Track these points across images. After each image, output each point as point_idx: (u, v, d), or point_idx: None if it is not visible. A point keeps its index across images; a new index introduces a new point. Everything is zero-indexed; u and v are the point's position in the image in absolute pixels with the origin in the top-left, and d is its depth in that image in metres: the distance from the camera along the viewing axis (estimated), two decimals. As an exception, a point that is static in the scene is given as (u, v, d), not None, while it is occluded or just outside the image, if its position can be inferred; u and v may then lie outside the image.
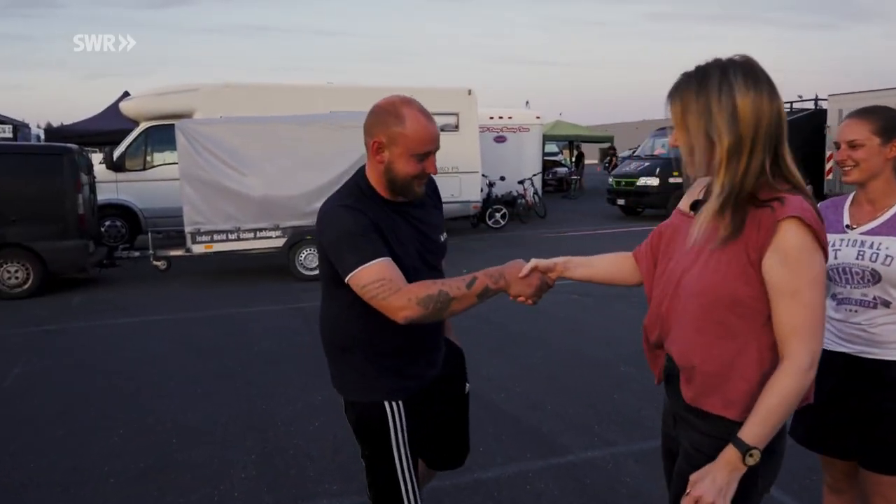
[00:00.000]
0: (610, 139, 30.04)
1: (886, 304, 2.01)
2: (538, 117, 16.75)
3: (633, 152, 20.52)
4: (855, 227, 2.08)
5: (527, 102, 23.24)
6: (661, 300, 1.61)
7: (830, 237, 2.06)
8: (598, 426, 3.92)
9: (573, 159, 26.94)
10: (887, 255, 1.98)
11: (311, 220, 8.58)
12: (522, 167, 15.81)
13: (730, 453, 1.40)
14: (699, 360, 1.50)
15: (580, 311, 6.81)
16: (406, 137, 1.85)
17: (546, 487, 3.24)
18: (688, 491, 1.43)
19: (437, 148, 1.92)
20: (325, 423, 4.05)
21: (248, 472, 3.47)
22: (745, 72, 1.43)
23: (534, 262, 1.90)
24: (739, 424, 1.42)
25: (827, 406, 2.05)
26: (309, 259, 8.70)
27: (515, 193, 15.11)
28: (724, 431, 1.46)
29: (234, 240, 8.49)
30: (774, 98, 1.44)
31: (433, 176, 2.05)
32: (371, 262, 1.79)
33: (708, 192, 1.55)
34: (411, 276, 1.84)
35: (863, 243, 2.04)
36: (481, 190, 13.47)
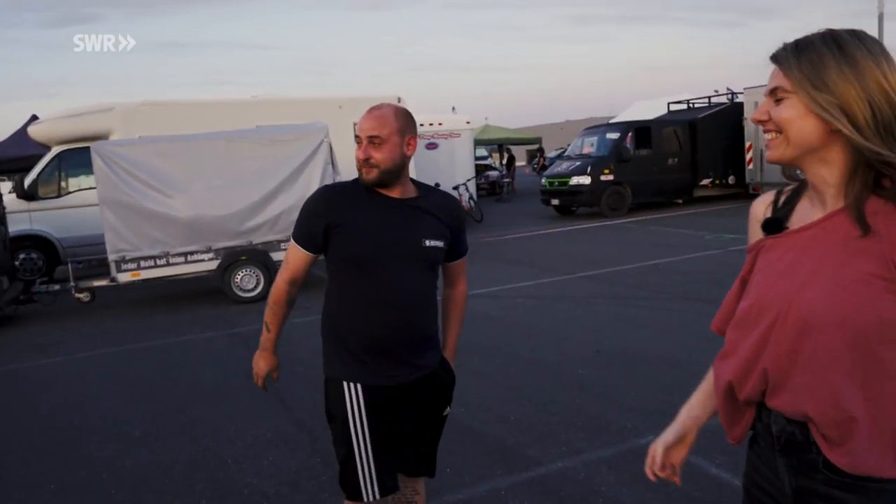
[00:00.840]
0: (538, 140, 30.50)
1: None
2: (468, 122, 16.76)
3: (562, 152, 20.84)
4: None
5: (453, 108, 23.37)
6: (758, 342, 1.23)
7: None
8: (565, 434, 3.82)
9: (504, 162, 27.18)
10: None
11: (245, 240, 8.24)
12: (456, 173, 15.77)
13: None
14: (859, 409, 1.13)
15: (529, 315, 6.76)
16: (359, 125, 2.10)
17: (520, 505, 3.11)
18: None
19: (374, 137, 2.04)
20: (279, 457, 3.80)
21: (199, 519, 3.20)
22: (872, 39, 1.17)
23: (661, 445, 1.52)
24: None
25: None
26: (246, 280, 8.33)
27: (451, 199, 15.04)
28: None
29: (163, 265, 8.05)
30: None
31: (448, 193, 2.35)
32: (293, 241, 2.16)
33: (784, 206, 1.32)
34: (377, 261, 2.08)
35: None
36: (417, 198, 13.34)
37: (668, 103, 18.53)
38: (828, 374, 1.15)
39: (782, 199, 1.34)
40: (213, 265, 8.23)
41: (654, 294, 7.21)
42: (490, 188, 24.13)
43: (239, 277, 8.32)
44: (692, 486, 3.14)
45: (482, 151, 28.13)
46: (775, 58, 1.21)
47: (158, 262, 8.02)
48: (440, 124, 15.97)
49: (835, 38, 1.16)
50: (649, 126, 15.92)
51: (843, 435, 1.15)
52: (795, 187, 1.32)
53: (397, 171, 2.10)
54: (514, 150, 29.88)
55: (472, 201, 15.83)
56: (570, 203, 15.48)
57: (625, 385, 4.51)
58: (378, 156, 2.06)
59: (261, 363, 2.34)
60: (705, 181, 16.32)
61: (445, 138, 15.97)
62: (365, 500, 2.13)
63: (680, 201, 16.47)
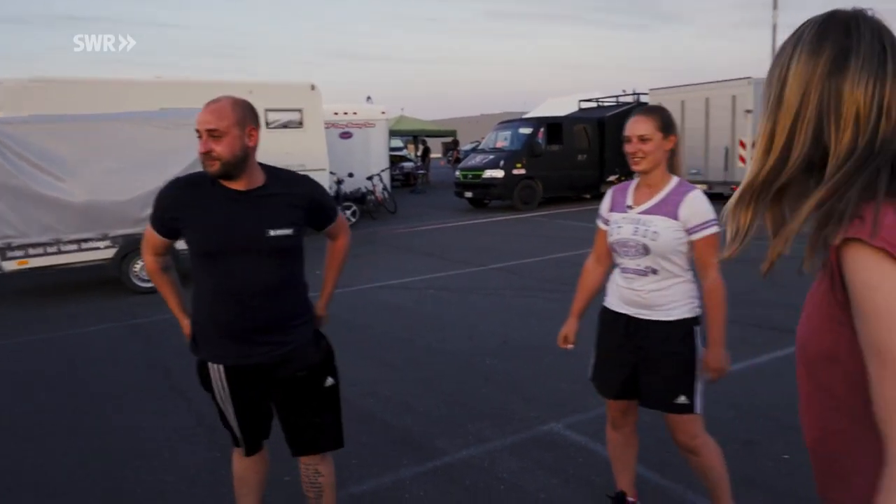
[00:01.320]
0: (453, 133, 30.66)
1: (655, 272, 2.43)
2: (383, 112, 16.65)
3: (477, 146, 21.05)
4: (635, 207, 2.46)
5: (368, 97, 23.09)
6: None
7: (616, 215, 2.52)
8: (471, 423, 3.88)
9: (419, 154, 27.18)
10: (654, 231, 2.38)
11: (144, 227, 7.84)
12: (370, 163, 15.64)
13: None
14: (811, 438, 1.10)
15: (440, 306, 6.80)
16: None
17: (425, 494, 3.14)
18: None
19: (212, 130, 2.11)
20: (177, 452, 3.67)
21: (89, 520, 3.04)
22: (821, 30, 1.04)
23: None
24: None
25: (612, 358, 2.59)
26: (145, 270, 7.94)
27: (365, 190, 14.92)
28: None
29: (55, 253, 7.55)
30: (839, 71, 1.02)
31: (311, 177, 2.40)
32: (148, 225, 2.36)
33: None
34: (221, 255, 2.19)
35: (638, 221, 2.43)
36: (329, 188, 13.14)
37: (579, 101, 19.08)
38: (807, 412, 1.10)
39: None
40: (110, 253, 7.81)
41: (561, 287, 7.42)
42: (405, 179, 24.08)
43: (138, 267, 7.94)
44: (590, 471, 3.27)
45: (397, 143, 28.03)
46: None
47: (49, 249, 7.52)
48: (355, 113, 15.79)
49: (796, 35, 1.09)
50: (560, 122, 16.34)
51: (813, 461, 1.12)
52: None
53: (239, 162, 2.17)
54: (430, 142, 29.95)
55: (385, 192, 15.76)
56: (483, 196, 15.69)
57: (530, 375, 4.62)
58: (218, 148, 2.12)
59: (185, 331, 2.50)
60: (612, 177, 16.91)
61: (360, 128, 15.80)
62: (240, 454, 2.51)
63: (588, 196, 17.01)
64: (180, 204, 2.24)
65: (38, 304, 7.82)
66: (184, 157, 7.83)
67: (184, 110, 8.47)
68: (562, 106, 20.13)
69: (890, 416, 0.89)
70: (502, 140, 16.34)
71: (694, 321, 2.48)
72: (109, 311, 7.23)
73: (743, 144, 14.22)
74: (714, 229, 2.38)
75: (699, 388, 2.48)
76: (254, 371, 2.32)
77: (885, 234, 0.90)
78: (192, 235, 2.24)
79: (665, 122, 2.42)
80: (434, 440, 3.69)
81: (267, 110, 11.59)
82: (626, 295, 2.52)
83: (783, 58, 1.05)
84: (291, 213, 2.26)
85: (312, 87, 12.28)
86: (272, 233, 2.21)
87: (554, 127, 16.07)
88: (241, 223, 2.19)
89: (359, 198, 14.52)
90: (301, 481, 2.56)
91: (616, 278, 2.58)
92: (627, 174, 17.12)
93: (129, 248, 7.83)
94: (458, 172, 16.59)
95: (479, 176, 15.50)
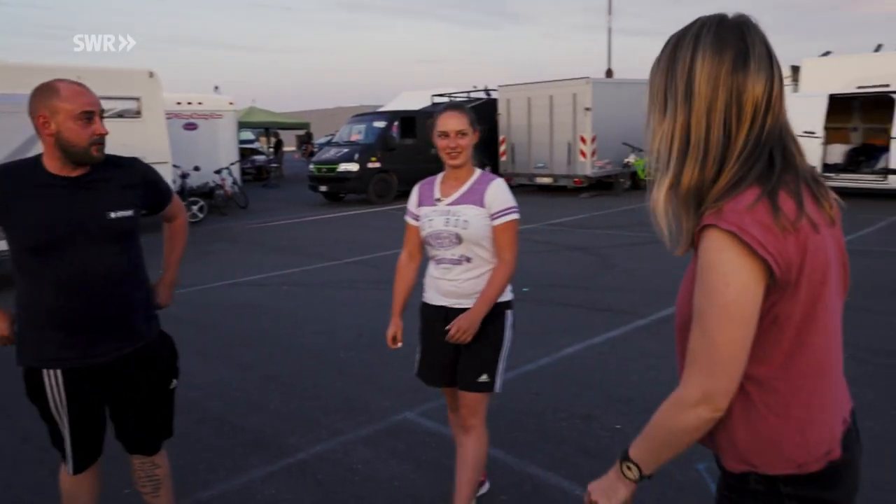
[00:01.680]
0: (306, 126, 30.01)
1: (469, 260, 2.55)
2: (231, 103, 15.94)
3: (332, 139, 20.76)
4: (444, 199, 2.57)
5: (216, 87, 21.92)
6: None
7: (425, 209, 2.61)
8: (325, 418, 3.86)
9: (271, 147, 26.35)
10: (465, 220, 2.50)
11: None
12: (218, 156, 14.93)
13: (616, 465, 1.27)
14: None
15: (294, 301, 6.67)
16: (64, 101, 2.04)
17: (277, 493, 3.08)
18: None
19: (101, 111, 2.12)
20: (3, 474, 3.33)
21: None
22: (720, 32, 1.16)
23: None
24: (735, 474, 1.21)
25: (436, 350, 2.66)
26: (-44, 274, 7.08)
27: (213, 184, 14.24)
28: (736, 482, 1.22)
29: None
30: (740, 71, 1.14)
31: (140, 160, 2.33)
32: None
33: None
34: (60, 245, 2.07)
35: (448, 212, 2.54)
36: (173, 182, 12.39)
37: (432, 95, 19.36)
38: (679, 362, 1.27)
39: None
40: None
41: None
42: (257, 173, 23.26)
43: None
44: (441, 454, 3.37)
45: (248, 135, 26.97)
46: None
47: None
48: (200, 104, 14.99)
49: (681, 33, 1.21)
50: (414, 116, 16.51)
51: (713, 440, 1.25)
52: None
53: (52, 151, 2.11)
54: (284, 135, 29.12)
55: (235, 186, 15.14)
56: (338, 190, 15.51)
57: (385, 366, 4.66)
58: (105, 131, 2.13)
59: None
60: (465, 171, 17.37)
61: (206, 119, 15.04)
62: (67, 472, 2.30)
63: (443, 189, 17.36)
64: (2, 193, 2.08)
65: None
66: (8, 145, 7.10)
67: (8, 96, 7.63)
68: (416, 100, 20.29)
69: (690, 362, 1.14)
70: (357, 133, 16.24)
71: (506, 305, 2.62)
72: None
73: (584, 140, 15.15)
74: (514, 216, 2.53)
75: (501, 368, 2.61)
76: (98, 373, 2.20)
77: (729, 217, 1.08)
78: (17, 229, 2.08)
79: (473, 118, 2.57)
80: (286, 437, 3.63)
81: (99, 98, 10.70)
82: (443, 287, 2.60)
83: (683, 53, 1.15)
84: (128, 194, 2.22)
85: (151, 75, 11.49)
86: (113, 215, 2.15)
87: (408, 121, 16.22)
88: (79, 208, 2.11)
89: (206, 192, 13.83)
90: (135, 478, 2.47)
91: (432, 272, 2.66)
92: (479, 166, 17.65)
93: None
94: (311, 166, 16.29)
95: (334, 170, 15.31)
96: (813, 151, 12.69)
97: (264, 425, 3.80)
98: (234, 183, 15.13)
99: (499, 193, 2.53)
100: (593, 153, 15.19)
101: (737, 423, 1.18)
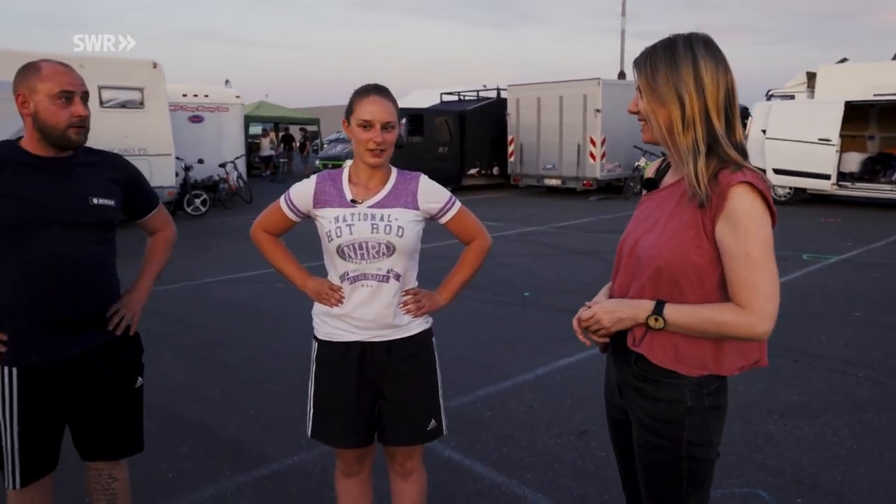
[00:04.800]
0: (316, 122, 29.89)
1: (398, 278, 2.08)
2: (238, 97, 15.79)
3: (340, 135, 20.62)
4: (361, 201, 2.06)
5: (227, 81, 21.78)
6: (615, 270, 1.67)
7: (335, 211, 2.05)
8: (304, 426, 3.65)
9: (280, 142, 26.24)
10: (399, 226, 2.03)
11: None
12: (223, 149, 14.78)
13: (646, 303, 1.51)
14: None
15: (285, 301, 6.49)
16: (44, 80, 1.95)
17: (247, 507, 2.89)
18: (586, 316, 1.60)
19: (84, 91, 2.01)
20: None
21: None
22: (706, 44, 1.48)
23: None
24: (690, 382, 1.51)
25: (345, 402, 2.12)
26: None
27: (217, 178, 14.11)
28: (676, 393, 1.52)
29: None
30: (728, 71, 1.48)
31: (120, 154, 2.23)
32: None
33: (661, 171, 1.67)
34: (38, 230, 1.96)
35: (373, 216, 2.04)
36: (176, 174, 12.27)
37: (441, 94, 19.18)
38: (642, 294, 1.54)
39: (663, 165, 1.68)
40: None
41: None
42: (265, 167, 23.18)
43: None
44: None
45: (257, 129, 26.90)
46: (635, 62, 1.54)
47: None
48: (206, 96, 14.84)
49: (670, 45, 1.49)
50: (422, 115, 16.34)
51: (643, 336, 1.54)
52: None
53: (30, 132, 2.02)
54: (293, 130, 29.03)
55: (240, 180, 14.99)
56: (343, 186, 15.33)
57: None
58: (87, 114, 2.04)
59: None
60: (473, 170, 17.19)
61: (212, 112, 14.89)
62: (8, 487, 2.08)
63: (450, 188, 17.15)
64: None
65: None
66: (2, 132, 6.93)
67: (5, 82, 7.50)
68: (426, 98, 20.13)
69: (750, 294, 1.42)
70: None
71: (430, 332, 2.22)
72: None
73: (594, 142, 14.92)
74: (458, 202, 2.17)
75: (443, 407, 2.23)
76: (57, 371, 2.06)
77: (754, 180, 1.43)
78: None
79: (397, 106, 2.07)
80: (263, 446, 3.43)
81: (101, 87, 10.58)
82: (361, 313, 2.09)
83: (682, 59, 1.46)
84: (112, 186, 2.12)
85: (154, 65, 11.38)
86: (96, 201, 2.06)
87: (415, 119, 16.04)
88: (62, 191, 2.02)
89: (210, 186, 13.70)
90: (89, 490, 2.28)
91: (347, 296, 2.12)
92: (487, 167, 17.47)
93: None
94: (318, 162, 16.16)
95: (340, 166, 15.14)
96: (827, 159, 12.41)
97: (241, 432, 3.60)
98: (239, 177, 14.98)
99: (433, 189, 2.12)
100: (603, 155, 14.95)
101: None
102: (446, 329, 5.28)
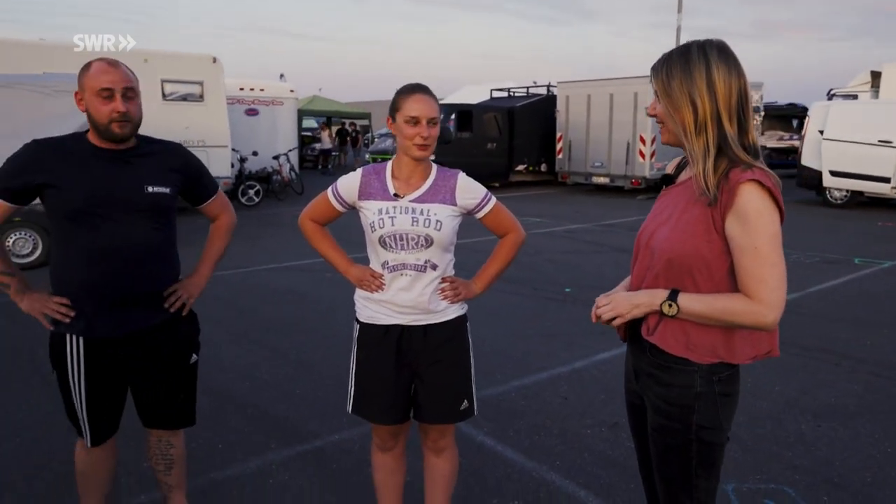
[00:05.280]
0: (367, 115, 30.28)
1: (434, 268, 2.22)
2: (292, 91, 16.21)
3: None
4: (403, 195, 2.18)
5: (281, 75, 22.28)
6: (633, 262, 1.79)
7: (378, 204, 2.19)
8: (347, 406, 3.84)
9: (334, 135, 26.71)
10: (438, 220, 2.16)
11: (20, 200, 7.32)
12: (277, 142, 15.22)
13: (661, 291, 1.62)
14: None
15: (334, 290, 6.72)
16: (90, 79, 2.12)
17: (291, 478, 3.09)
18: (603, 304, 1.71)
19: (125, 88, 2.13)
20: (32, 438, 3.45)
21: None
22: (720, 50, 1.58)
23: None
24: (701, 369, 1.62)
25: (385, 381, 2.26)
26: (19, 244, 7.43)
27: (270, 169, 14.53)
28: (687, 379, 1.63)
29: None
30: (741, 75, 1.58)
31: (183, 145, 2.42)
32: None
33: (680, 167, 1.78)
34: (101, 216, 2.13)
35: (414, 210, 2.17)
36: (232, 165, 12.71)
37: (491, 90, 19.24)
38: (656, 284, 1.66)
39: (682, 161, 1.78)
40: (-18, 227, 7.25)
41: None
42: (318, 160, 23.65)
43: (11, 241, 7.41)
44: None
45: (312, 123, 27.42)
46: (652, 68, 1.65)
47: None
48: (262, 90, 15.29)
49: (685, 52, 1.59)
50: (471, 110, 16.44)
51: (657, 326, 1.66)
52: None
53: (139, 125, 2.23)
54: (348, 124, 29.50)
55: (293, 172, 15.39)
56: (392, 181, 15.56)
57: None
58: (133, 109, 2.17)
59: (28, 310, 2.27)
60: (520, 167, 17.22)
61: (267, 105, 15.33)
62: (84, 445, 2.35)
63: (497, 185, 17.24)
64: (45, 165, 2.14)
65: None
66: (68, 124, 7.35)
67: (69, 75, 7.95)
68: (478, 94, 20.22)
69: (758, 286, 1.51)
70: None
71: (465, 318, 2.35)
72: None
73: (643, 140, 14.78)
74: (494, 198, 2.31)
75: (474, 389, 2.36)
76: (120, 345, 2.24)
77: (763, 178, 1.51)
78: (60, 198, 2.13)
79: (438, 103, 2.21)
80: (307, 423, 3.64)
81: (164, 81, 11.06)
82: (401, 300, 2.22)
83: (695, 65, 1.56)
84: (168, 175, 2.27)
85: (214, 60, 11.80)
86: (150, 189, 2.20)
87: (464, 114, 16.15)
88: (120, 180, 2.17)
89: (264, 177, 14.12)
90: (150, 455, 2.51)
91: (388, 283, 2.24)
92: (535, 163, 17.47)
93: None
94: (367, 156, 16.44)
95: (389, 160, 15.38)
96: (888, 160, 12.02)
97: (288, 411, 3.82)
98: (292, 169, 15.38)
99: (471, 186, 2.25)
100: (653, 154, 14.80)
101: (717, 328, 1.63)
102: (487, 322, 5.43)
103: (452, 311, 2.30)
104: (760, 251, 1.51)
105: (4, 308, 5.88)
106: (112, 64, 2.15)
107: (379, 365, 2.28)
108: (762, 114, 16.66)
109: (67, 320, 2.19)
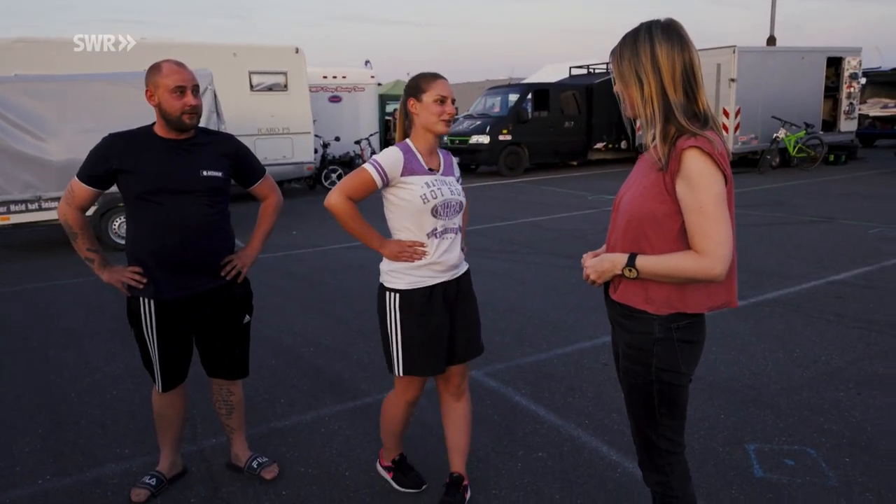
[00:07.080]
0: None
1: (459, 229, 2.59)
2: (373, 77, 16.69)
3: (470, 110, 21.06)
4: (435, 169, 2.50)
5: (367, 62, 22.95)
6: (609, 225, 1.98)
7: (422, 178, 2.44)
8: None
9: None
10: (460, 190, 2.56)
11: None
12: (359, 127, 15.77)
13: (622, 257, 1.82)
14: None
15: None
16: (163, 77, 2.50)
17: (339, 428, 3.44)
18: (588, 265, 1.93)
19: (194, 85, 2.54)
20: (124, 391, 3.98)
21: (33, 445, 3.36)
22: (664, 28, 1.74)
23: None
24: (660, 318, 1.80)
25: (437, 333, 2.52)
26: (124, 228, 8.22)
27: (352, 154, 15.10)
28: (647, 327, 1.83)
29: (35, 210, 7.84)
30: (685, 49, 1.73)
31: (234, 137, 2.82)
32: (76, 177, 2.59)
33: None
34: (165, 196, 2.52)
35: (445, 182, 2.49)
36: (315, 151, 13.33)
37: (570, 67, 19.04)
38: (621, 245, 1.86)
39: None
40: (90, 211, 8.08)
41: (521, 248, 7.68)
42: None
43: (116, 224, 8.23)
44: (494, 412, 3.56)
45: (396, 107, 27.93)
46: (611, 51, 1.83)
47: (30, 206, 7.81)
48: (344, 77, 15.85)
49: (634, 34, 1.77)
50: (548, 89, 16.38)
51: (619, 285, 1.88)
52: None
53: (158, 118, 2.58)
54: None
55: (374, 156, 15.87)
56: (469, 161, 15.84)
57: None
58: (200, 104, 2.59)
59: (108, 280, 2.69)
60: (599, 144, 17.02)
61: (349, 92, 15.88)
62: (157, 391, 2.80)
63: (575, 163, 17.14)
64: (124, 153, 2.53)
65: (19, 259, 8.13)
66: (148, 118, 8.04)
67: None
68: (559, 72, 20.05)
69: (704, 241, 1.69)
70: (491, 106, 16.42)
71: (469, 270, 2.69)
72: (84, 265, 7.51)
73: (727, 113, 14.28)
74: None
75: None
76: (188, 304, 2.64)
77: (704, 145, 1.68)
78: (133, 181, 2.53)
79: None
80: (359, 383, 3.99)
81: (251, 73, 11.74)
82: (447, 260, 2.50)
83: (642, 44, 1.74)
84: (220, 160, 2.65)
85: (297, 51, 12.39)
86: (205, 173, 2.59)
87: (541, 93, 16.13)
88: (180, 165, 2.56)
89: (346, 161, 14.71)
90: (214, 401, 2.94)
91: (431, 248, 2.47)
92: (615, 141, 17.22)
93: (108, 205, 8.12)
94: (445, 138, 16.68)
95: (466, 141, 15.64)
96: None
97: (344, 371, 4.19)
98: (373, 153, 15.91)
99: (455, 164, 2.67)
100: (737, 127, 14.28)
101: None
102: (538, 295, 5.62)
103: (465, 265, 2.67)
104: (705, 210, 1.68)
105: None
106: (179, 65, 2.55)
107: (430, 322, 2.50)
108: (862, 81, 15.69)
109: (140, 286, 2.60)
